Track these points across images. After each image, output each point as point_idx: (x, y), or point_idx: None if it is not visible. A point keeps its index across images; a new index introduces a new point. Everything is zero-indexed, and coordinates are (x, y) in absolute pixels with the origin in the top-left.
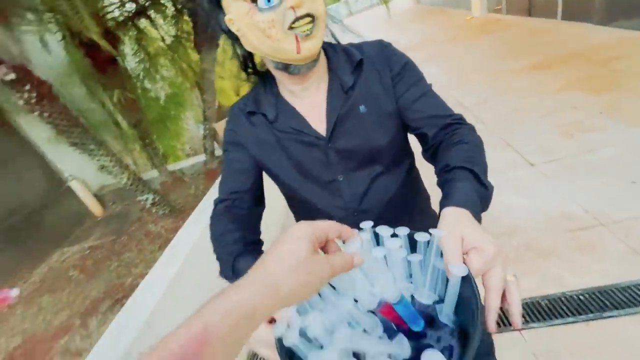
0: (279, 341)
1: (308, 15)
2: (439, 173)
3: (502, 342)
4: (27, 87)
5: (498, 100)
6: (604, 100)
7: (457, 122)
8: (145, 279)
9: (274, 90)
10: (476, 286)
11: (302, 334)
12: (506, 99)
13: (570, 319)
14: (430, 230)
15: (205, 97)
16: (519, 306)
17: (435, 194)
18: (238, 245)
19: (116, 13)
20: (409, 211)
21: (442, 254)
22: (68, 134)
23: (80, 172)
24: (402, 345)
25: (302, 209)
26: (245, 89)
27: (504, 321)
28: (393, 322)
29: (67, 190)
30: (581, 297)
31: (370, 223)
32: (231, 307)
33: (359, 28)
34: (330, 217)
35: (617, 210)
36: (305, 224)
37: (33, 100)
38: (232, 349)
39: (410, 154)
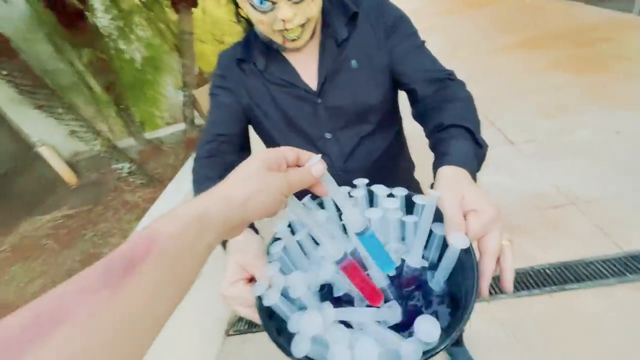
0: (259, 300)
1: (298, 25)
2: (431, 133)
3: None
4: None
5: (484, 78)
6: (587, 82)
7: (448, 78)
8: None
9: (264, 38)
10: (475, 256)
11: (284, 294)
12: (492, 76)
13: (536, 291)
14: (428, 190)
15: (184, 61)
16: (512, 272)
17: (419, 164)
18: None
19: None
20: (393, 176)
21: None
22: (32, 95)
23: (51, 137)
24: (393, 310)
25: None
26: None
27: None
28: (354, 283)
29: (37, 156)
30: (547, 270)
31: (365, 180)
32: (180, 212)
33: None
34: None
35: (588, 190)
36: (261, 152)
37: None
38: (185, 252)
39: (399, 118)
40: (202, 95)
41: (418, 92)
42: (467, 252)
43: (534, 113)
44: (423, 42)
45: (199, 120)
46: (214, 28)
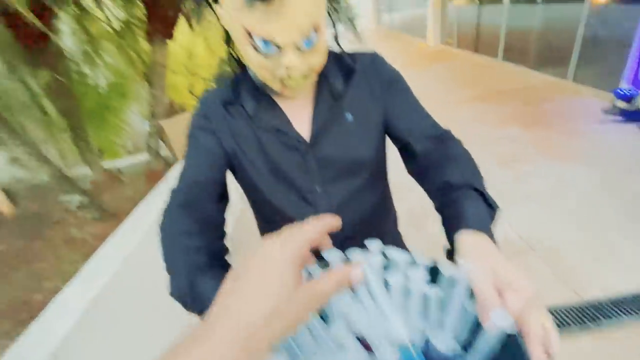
0: None
1: (302, 75)
2: (436, 193)
3: None
4: None
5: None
6: (535, 136)
7: (447, 137)
8: (58, 296)
9: (257, 81)
10: (522, 339)
11: None
12: (453, 126)
13: None
14: (459, 261)
15: (154, 91)
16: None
17: (401, 213)
18: (200, 255)
19: None
20: (380, 230)
21: (460, 289)
22: None
23: None
24: None
25: (269, 215)
26: (200, 86)
27: None
28: None
29: None
30: None
31: (378, 243)
32: None
33: None
34: None
35: (547, 238)
36: (282, 242)
37: None
38: None
39: (386, 171)
40: (170, 126)
41: (416, 149)
42: (509, 334)
43: (493, 162)
44: (418, 100)
45: (164, 152)
46: (188, 61)
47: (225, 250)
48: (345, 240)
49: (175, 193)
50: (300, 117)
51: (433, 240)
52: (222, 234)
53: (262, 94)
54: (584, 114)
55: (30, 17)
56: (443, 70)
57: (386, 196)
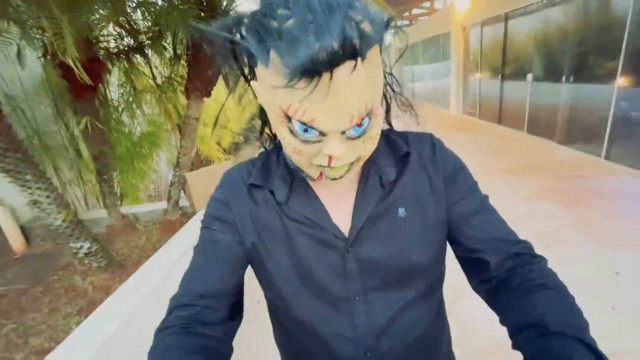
0: None
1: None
2: (520, 331)
3: None
4: None
5: None
6: (574, 215)
7: (529, 253)
8: None
9: (292, 164)
10: None
11: None
12: None
13: None
14: None
15: (183, 142)
16: None
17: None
18: None
19: (111, 44)
20: (432, 355)
21: None
22: (1, 157)
23: (13, 197)
24: None
25: (291, 327)
26: (227, 139)
27: None
28: None
29: None
30: None
31: None
32: None
33: None
34: (331, 350)
35: (610, 343)
36: None
37: None
38: None
39: (443, 282)
40: (193, 179)
41: (489, 265)
42: None
43: (531, 241)
44: (486, 196)
45: (183, 202)
46: (221, 114)
47: None
48: None
49: (174, 306)
50: (340, 206)
51: (464, 321)
52: None
53: (296, 178)
54: (622, 193)
55: (78, 72)
56: (469, 139)
57: (442, 312)
